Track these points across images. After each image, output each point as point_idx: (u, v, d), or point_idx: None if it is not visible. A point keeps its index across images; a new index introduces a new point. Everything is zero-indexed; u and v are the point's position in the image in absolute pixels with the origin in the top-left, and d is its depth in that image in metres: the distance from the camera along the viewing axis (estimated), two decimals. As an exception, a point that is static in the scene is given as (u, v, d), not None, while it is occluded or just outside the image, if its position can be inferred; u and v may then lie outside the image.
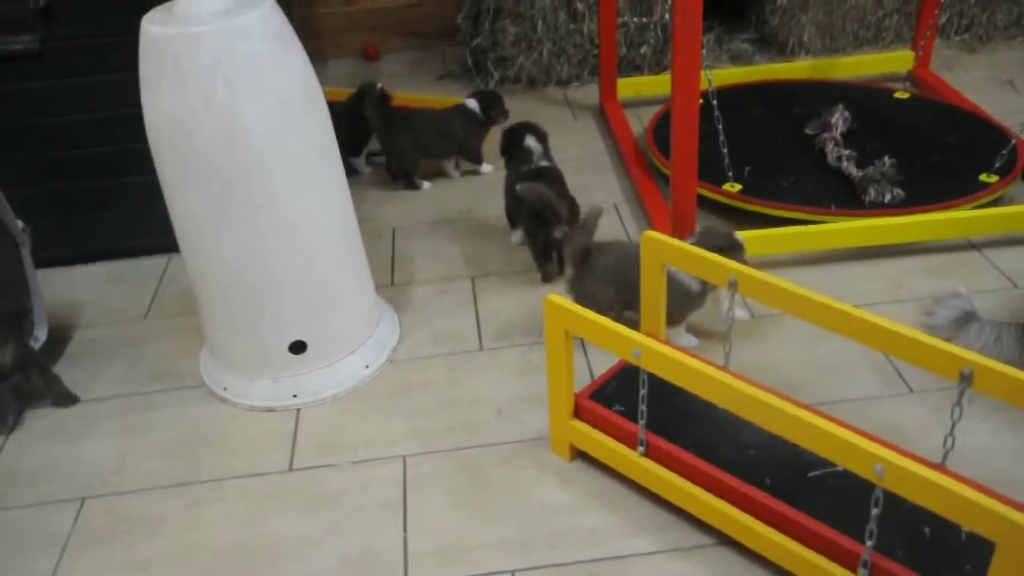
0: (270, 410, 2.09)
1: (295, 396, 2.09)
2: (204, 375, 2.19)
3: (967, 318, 2.08)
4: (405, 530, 1.76)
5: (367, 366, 2.16)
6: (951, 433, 1.58)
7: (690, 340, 2.15)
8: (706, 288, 2.06)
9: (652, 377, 1.64)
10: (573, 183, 2.54)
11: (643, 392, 1.67)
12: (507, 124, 2.73)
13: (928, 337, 1.55)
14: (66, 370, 2.23)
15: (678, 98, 2.13)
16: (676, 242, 1.85)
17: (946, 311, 2.12)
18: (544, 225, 2.32)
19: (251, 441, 2.01)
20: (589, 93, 3.55)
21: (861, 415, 1.90)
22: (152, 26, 1.78)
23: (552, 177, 2.47)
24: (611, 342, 1.64)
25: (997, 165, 2.57)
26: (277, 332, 2.05)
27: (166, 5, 1.87)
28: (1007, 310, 2.19)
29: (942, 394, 1.97)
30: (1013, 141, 2.61)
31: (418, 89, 3.62)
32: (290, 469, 1.93)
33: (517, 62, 3.60)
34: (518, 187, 2.35)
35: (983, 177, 2.55)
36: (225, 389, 2.13)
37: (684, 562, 1.65)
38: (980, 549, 1.49)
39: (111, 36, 2.34)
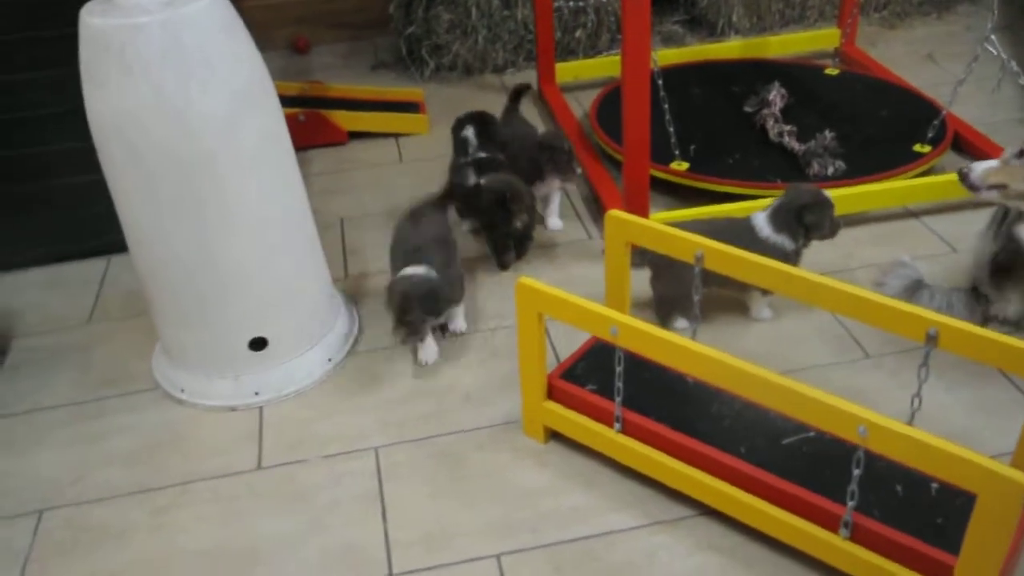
0: (232, 409, 2.03)
1: (257, 394, 2.04)
2: (158, 377, 2.12)
3: (916, 285, 2.16)
4: (385, 521, 1.74)
5: (329, 359, 2.13)
6: (918, 393, 1.64)
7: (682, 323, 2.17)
8: (799, 247, 2.09)
9: (625, 355, 1.65)
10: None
11: (619, 369, 1.68)
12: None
13: (894, 301, 1.60)
14: (9, 381, 2.14)
15: (629, 78, 2.14)
16: (640, 220, 1.86)
17: (896, 280, 2.18)
18: (507, 215, 2.31)
19: (215, 442, 1.95)
20: (526, 79, 3.54)
21: (822, 381, 1.95)
22: (93, 18, 1.71)
23: (490, 168, 2.47)
24: (586, 321, 1.64)
25: (930, 136, 2.66)
26: (236, 329, 1.99)
27: (105, -6, 1.80)
28: (949, 274, 2.28)
29: (897, 357, 2.04)
30: (943, 112, 2.70)
31: (352, 81, 3.57)
32: (259, 467, 1.88)
33: (452, 50, 3.58)
34: (483, 181, 2.35)
35: (917, 147, 2.64)
36: (182, 391, 2.07)
37: (667, 534, 1.67)
38: (951, 502, 1.55)
39: (44, 30, 2.23)
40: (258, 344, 2.02)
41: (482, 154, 2.54)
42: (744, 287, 2.07)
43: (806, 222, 2.03)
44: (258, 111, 1.86)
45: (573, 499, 1.76)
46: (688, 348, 1.52)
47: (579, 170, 2.50)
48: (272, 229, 1.95)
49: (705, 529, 1.68)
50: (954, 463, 1.28)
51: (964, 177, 1.98)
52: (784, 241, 2.04)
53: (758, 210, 2.10)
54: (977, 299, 2.08)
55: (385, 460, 1.87)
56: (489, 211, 2.35)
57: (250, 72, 1.83)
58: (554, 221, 2.58)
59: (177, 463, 1.91)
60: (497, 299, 2.32)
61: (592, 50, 3.63)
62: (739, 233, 2.03)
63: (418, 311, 1.98)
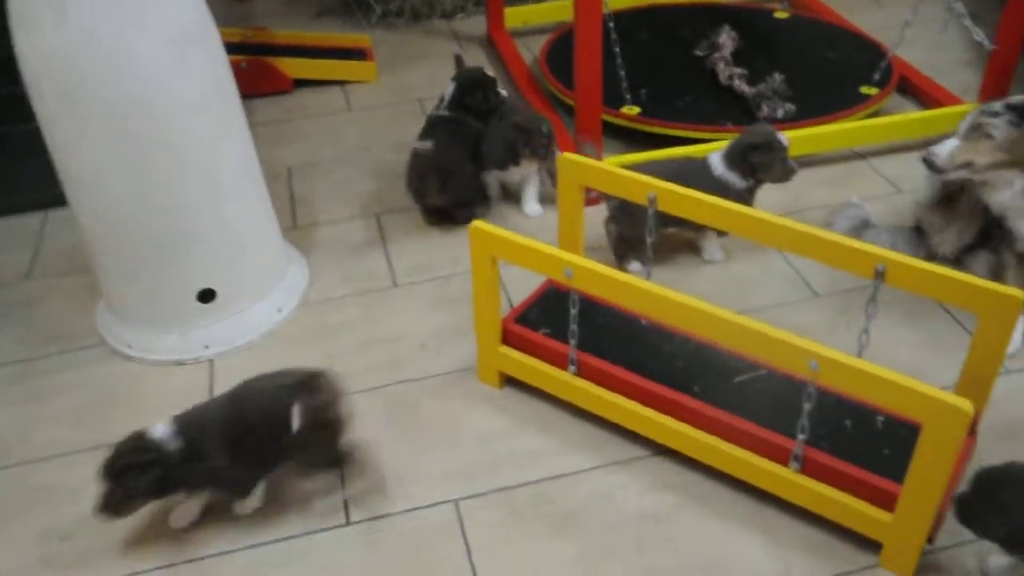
0: (180, 363, 2.00)
1: (207, 347, 2.01)
2: (104, 333, 2.08)
3: (863, 225, 2.19)
4: (340, 470, 1.73)
5: (280, 310, 2.09)
6: (866, 328, 1.66)
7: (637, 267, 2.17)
8: (750, 187, 2.09)
9: (579, 298, 1.65)
10: None
11: (573, 312, 1.68)
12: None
13: (844, 238, 1.62)
14: (-53, 340, 2.08)
15: (581, 21, 2.11)
16: (593, 162, 1.85)
17: (843, 220, 2.21)
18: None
19: (165, 397, 1.92)
20: (475, 24, 3.49)
21: (773, 321, 1.95)
22: (19, -44, 1.63)
23: (444, 128, 2.41)
24: (540, 264, 1.64)
25: (876, 78, 2.68)
26: (184, 281, 1.95)
27: (31, -68, 1.72)
28: (895, 214, 2.31)
29: (845, 296, 2.07)
30: (888, 55, 2.72)
31: (296, 28, 3.47)
32: (211, 421, 1.85)
33: (399, -6, 3.50)
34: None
35: (864, 90, 2.66)
36: (129, 346, 2.02)
37: (623, 474, 1.69)
38: (895, 434, 1.59)
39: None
40: (206, 296, 1.98)
41: (445, 112, 2.44)
42: (699, 227, 2.08)
43: (753, 162, 2.04)
44: (201, 55, 1.80)
45: (529, 443, 1.76)
46: (642, 288, 1.52)
47: (557, 152, 2.32)
48: (218, 177, 1.90)
49: (660, 468, 1.70)
50: (902, 393, 1.31)
51: (930, 164, 1.92)
52: (735, 179, 2.05)
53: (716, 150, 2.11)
54: (920, 237, 2.12)
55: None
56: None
57: (191, 14, 1.77)
58: (532, 207, 2.42)
59: (127, 419, 1.86)
60: (450, 247, 2.30)
61: (541, -6, 3.57)
62: (694, 172, 2.04)
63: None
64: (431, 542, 1.59)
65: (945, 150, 1.90)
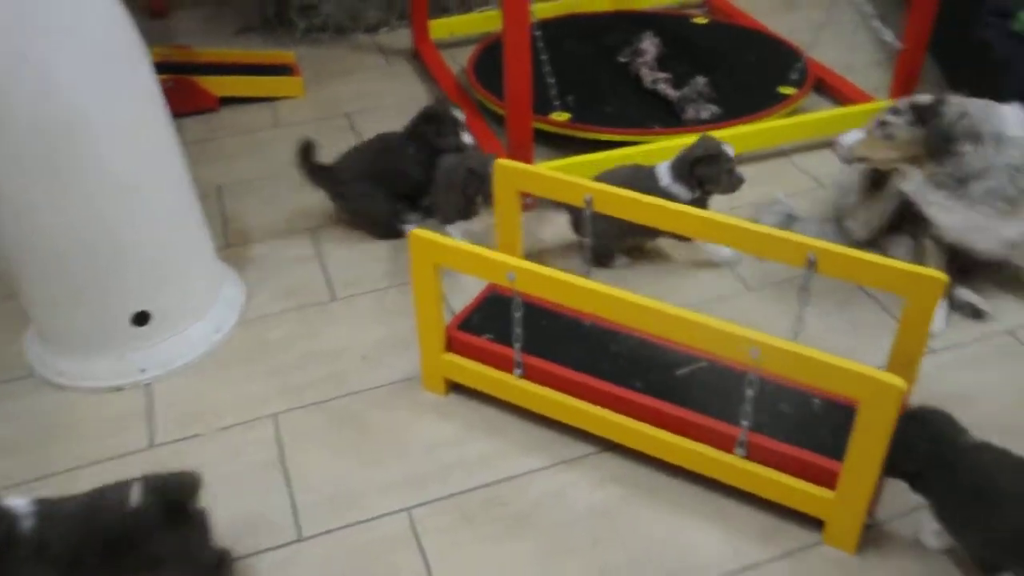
0: (118, 389, 1.95)
1: (143, 370, 1.96)
2: (33, 362, 2.01)
3: (789, 220, 2.26)
4: (290, 487, 1.71)
5: (217, 330, 2.06)
6: (800, 315, 1.72)
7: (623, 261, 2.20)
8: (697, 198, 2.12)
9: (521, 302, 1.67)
10: (392, 130, 2.46)
11: (517, 315, 1.70)
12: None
13: (776, 231, 1.67)
14: None
15: (510, 30, 2.14)
16: (529, 167, 1.87)
17: (770, 216, 2.29)
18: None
19: (102, 424, 1.87)
20: (399, 37, 3.49)
21: (708, 313, 2.01)
22: (-67, -25, 1.58)
23: (380, 142, 2.42)
24: (482, 269, 1.65)
25: (794, 77, 2.78)
26: (117, 304, 1.91)
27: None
28: (818, 207, 2.39)
29: (775, 287, 2.14)
30: (803, 57, 2.82)
31: (217, 46, 3.43)
32: (152, 446, 1.82)
33: (322, 9, 3.48)
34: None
35: (782, 89, 2.75)
36: (61, 374, 1.97)
37: (573, 472, 1.71)
38: (831, 416, 1.65)
39: None
40: (141, 319, 1.94)
41: (396, 131, 2.41)
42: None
43: (698, 174, 2.08)
44: (130, 75, 1.78)
45: (478, 448, 1.77)
46: (586, 288, 1.54)
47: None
48: (150, 198, 1.87)
49: (608, 464, 1.73)
50: (839, 374, 1.36)
51: (835, 151, 2.04)
52: (681, 191, 2.09)
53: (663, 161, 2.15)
54: (842, 227, 2.20)
55: (284, 427, 1.84)
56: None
57: (119, 35, 1.75)
58: (453, 229, 2.29)
59: (64, 449, 1.82)
60: (387, 259, 2.30)
61: (463, 7, 3.60)
62: (642, 181, 2.07)
63: None
64: (386, 552, 1.58)
65: (848, 141, 2.00)
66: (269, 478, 1.73)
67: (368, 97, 3.05)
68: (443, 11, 3.57)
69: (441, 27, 3.33)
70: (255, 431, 1.84)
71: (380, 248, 2.34)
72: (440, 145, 2.34)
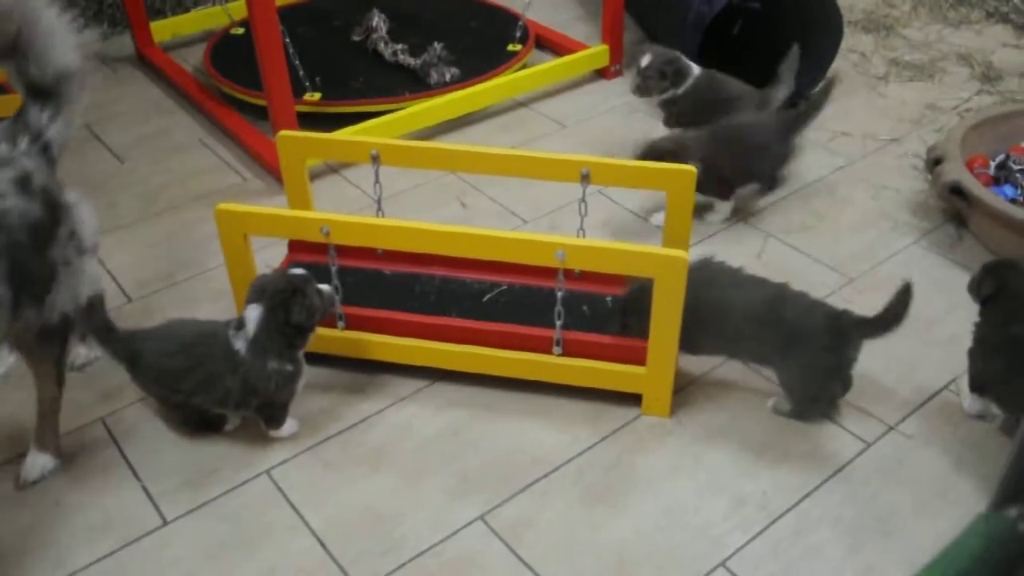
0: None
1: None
2: None
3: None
4: (140, 480, 1.69)
5: (7, 354, 1.95)
6: (582, 228, 1.96)
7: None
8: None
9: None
10: (144, 134, 2.40)
11: (334, 268, 1.79)
12: None
13: (551, 154, 1.89)
14: None
15: (258, 18, 2.19)
16: (313, 135, 1.96)
17: None
18: None
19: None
20: (120, 44, 3.36)
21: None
22: None
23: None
24: (295, 229, 1.72)
25: (518, 36, 3.04)
26: None
27: None
28: (569, 148, 2.66)
29: (548, 217, 2.37)
30: (522, 18, 3.09)
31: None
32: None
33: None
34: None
35: (510, 47, 3.01)
36: None
37: (413, 405, 1.84)
38: (624, 307, 1.89)
39: None
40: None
41: None
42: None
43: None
44: None
45: (317, 402, 1.84)
46: (399, 227, 1.67)
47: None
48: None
49: (443, 392, 1.87)
50: (636, 258, 1.60)
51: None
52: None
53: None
54: None
55: (116, 426, 1.81)
56: None
57: None
58: None
59: None
60: (190, 247, 2.29)
61: (179, 7, 3.52)
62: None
63: None
64: (257, 513, 1.63)
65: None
66: (117, 476, 1.71)
67: (102, 107, 2.94)
68: (158, 13, 3.48)
69: (163, 29, 3.25)
70: (86, 436, 1.79)
71: (183, 237, 2.30)
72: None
